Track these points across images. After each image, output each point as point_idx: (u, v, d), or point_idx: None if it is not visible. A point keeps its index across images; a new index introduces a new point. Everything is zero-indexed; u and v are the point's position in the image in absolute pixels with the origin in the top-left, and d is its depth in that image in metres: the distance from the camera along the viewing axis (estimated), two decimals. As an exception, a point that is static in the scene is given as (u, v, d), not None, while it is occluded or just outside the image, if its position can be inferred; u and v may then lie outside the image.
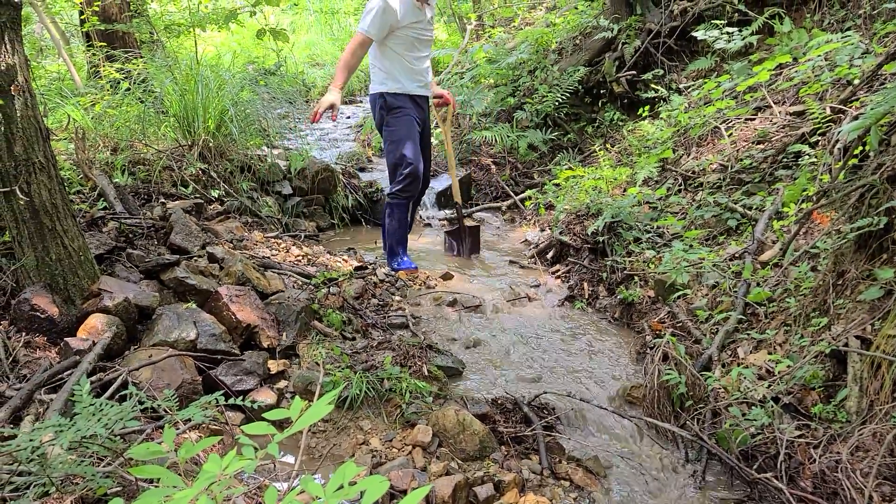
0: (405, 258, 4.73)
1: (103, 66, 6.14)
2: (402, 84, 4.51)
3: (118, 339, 2.84)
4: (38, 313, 2.79)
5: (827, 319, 2.72)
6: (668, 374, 2.90)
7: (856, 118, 3.48)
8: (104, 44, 6.76)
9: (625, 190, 5.13)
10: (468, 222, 5.58)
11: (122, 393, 2.24)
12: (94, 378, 2.50)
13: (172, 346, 2.88)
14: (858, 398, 2.36)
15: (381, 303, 4.08)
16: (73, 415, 1.91)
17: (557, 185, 5.97)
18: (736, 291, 3.32)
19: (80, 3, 6.67)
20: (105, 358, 2.73)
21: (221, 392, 2.23)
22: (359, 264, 4.59)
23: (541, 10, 9.99)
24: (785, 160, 4.18)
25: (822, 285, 2.84)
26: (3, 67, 2.66)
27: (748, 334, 3.05)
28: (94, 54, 6.67)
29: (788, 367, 2.70)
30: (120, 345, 2.86)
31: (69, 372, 2.51)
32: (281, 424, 1.45)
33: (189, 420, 2.22)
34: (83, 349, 2.65)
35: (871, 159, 2.99)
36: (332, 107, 4.25)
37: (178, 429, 2.34)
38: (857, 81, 4.06)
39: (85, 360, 2.54)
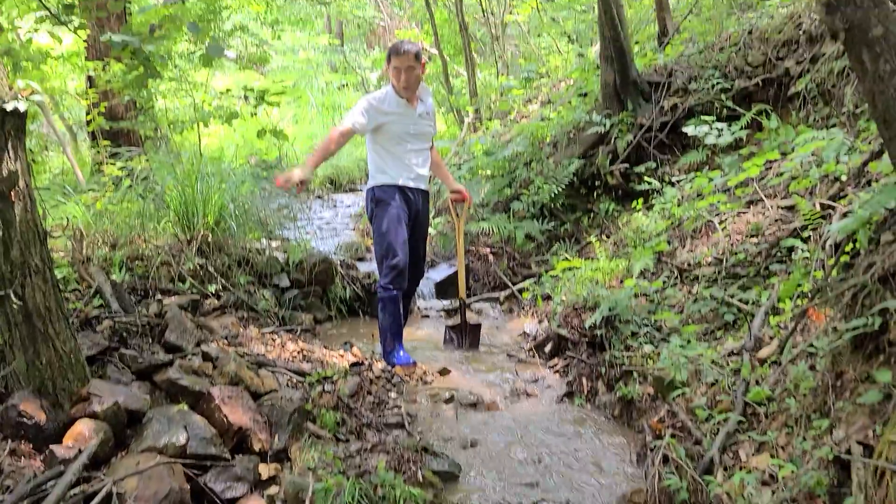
0: (401, 352, 4.69)
1: (106, 163, 6.29)
2: (390, 176, 4.60)
3: (105, 446, 2.78)
4: (25, 419, 2.74)
5: (828, 422, 2.67)
6: (669, 478, 2.83)
7: (845, 215, 3.53)
8: (108, 142, 6.93)
9: (621, 281, 5.14)
10: (469, 316, 5.56)
11: (106, 507, 2.18)
12: (77, 490, 2.43)
13: (162, 452, 2.82)
14: (865, 508, 2.29)
15: (376, 400, 4.02)
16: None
17: (555, 276, 5.98)
18: (735, 390, 3.27)
19: (88, 105, 6.89)
20: (91, 466, 2.66)
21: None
22: (355, 360, 4.55)
23: (535, 104, 10.30)
24: (779, 254, 4.20)
25: (822, 386, 2.80)
26: (4, 174, 2.72)
27: (749, 435, 2.99)
28: (98, 152, 6.84)
29: (792, 472, 2.63)
30: (107, 451, 2.80)
31: (53, 482, 2.45)
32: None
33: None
34: (68, 458, 2.59)
35: (861, 257, 3.01)
36: (301, 182, 4.29)
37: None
38: (844, 178, 4.13)
39: (70, 470, 2.48)
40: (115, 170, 6.01)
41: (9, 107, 2.69)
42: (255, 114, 4.54)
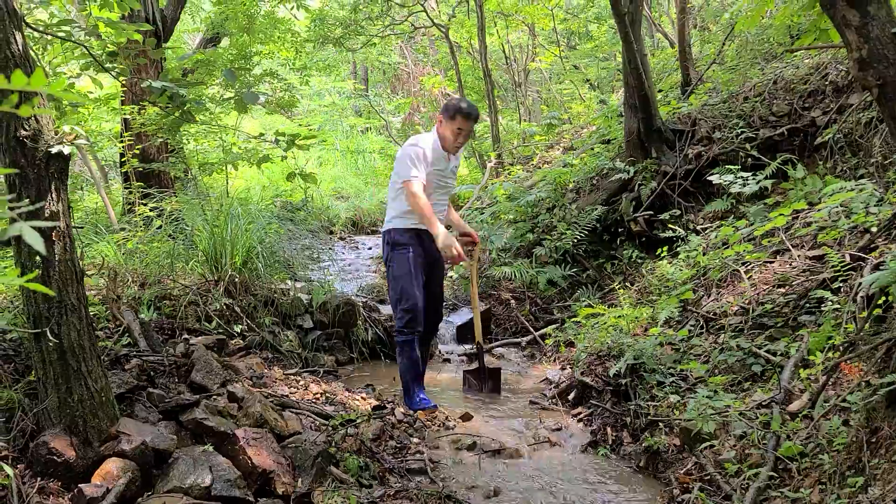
0: (422, 396, 4.67)
1: (138, 204, 6.42)
2: (410, 220, 4.62)
3: (132, 486, 2.79)
4: (55, 457, 2.76)
5: (863, 479, 2.62)
6: (699, 534, 2.77)
7: (877, 267, 3.50)
8: (141, 183, 7.09)
9: (646, 330, 5.10)
10: (489, 359, 5.53)
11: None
12: (105, 530, 2.44)
13: (187, 493, 2.82)
14: (904, 571, 2.23)
15: (399, 445, 3.99)
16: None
17: (578, 322, 5.95)
18: (765, 444, 3.21)
19: (123, 147, 7.07)
20: (118, 506, 2.67)
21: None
22: (377, 403, 4.53)
23: (558, 150, 10.39)
24: (807, 305, 4.16)
25: (856, 442, 2.75)
26: (47, 215, 2.79)
27: (781, 492, 2.92)
28: (130, 192, 7.00)
29: (826, 530, 2.57)
30: (134, 491, 2.81)
31: (80, 522, 2.45)
32: None
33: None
34: (97, 496, 2.60)
35: (894, 311, 2.98)
36: (458, 252, 4.51)
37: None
38: (874, 229, 4.11)
39: (98, 510, 2.48)
40: (146, 210, 6.13)
41: (54, 150, 2.78)
42: (286, 157, 4.62)
